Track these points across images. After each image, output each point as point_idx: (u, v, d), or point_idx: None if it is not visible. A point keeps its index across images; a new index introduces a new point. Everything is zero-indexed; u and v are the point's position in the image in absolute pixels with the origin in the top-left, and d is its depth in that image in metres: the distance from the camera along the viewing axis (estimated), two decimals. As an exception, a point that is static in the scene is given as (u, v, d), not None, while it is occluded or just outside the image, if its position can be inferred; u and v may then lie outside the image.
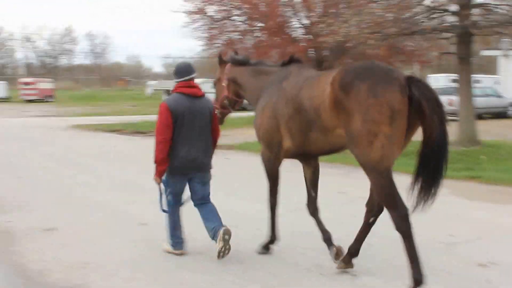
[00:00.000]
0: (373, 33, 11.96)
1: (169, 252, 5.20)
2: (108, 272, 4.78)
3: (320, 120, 4.22)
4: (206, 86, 37.37)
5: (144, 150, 13.85)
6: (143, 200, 7.44)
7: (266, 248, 5.16)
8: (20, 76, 64.76)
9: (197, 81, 5.29)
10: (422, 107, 3.76)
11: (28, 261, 5.10)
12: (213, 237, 4.90)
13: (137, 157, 12.61)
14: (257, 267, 4.79)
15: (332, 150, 4.51)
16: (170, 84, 47.38)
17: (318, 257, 4.97)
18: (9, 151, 14.10)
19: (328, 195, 6.69)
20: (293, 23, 29.75)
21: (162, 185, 5.08)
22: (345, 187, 8.44)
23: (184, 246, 5.20)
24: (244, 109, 38.15)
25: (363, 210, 4.52)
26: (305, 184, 5.04)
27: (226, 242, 4.80)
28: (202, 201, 5.15)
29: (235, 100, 5.58)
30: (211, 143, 5.23)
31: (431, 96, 3.80)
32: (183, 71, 5.11)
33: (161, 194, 5.11)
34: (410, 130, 3.91)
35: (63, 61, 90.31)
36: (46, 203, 7.59)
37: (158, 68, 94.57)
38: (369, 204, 4.41)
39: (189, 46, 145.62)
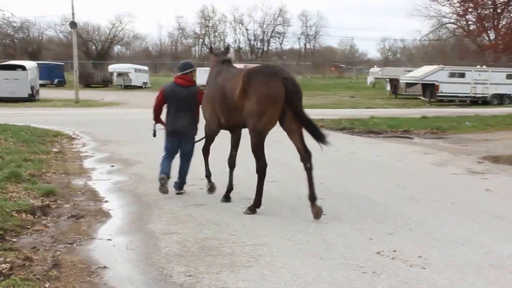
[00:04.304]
0: None
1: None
2: None
3: (235, 103, 6.75)
4: (441, 75, 33.57)
5: (391, 159, 11.97)
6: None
7: (209, 184, 7.90)
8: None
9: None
10: (288, 94, 6.46)
11: None
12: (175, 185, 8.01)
13: (388, 168, 10.55)
14: None
15: (245, 124, 6.81)
16: (395, 72, 44.47)
17: None
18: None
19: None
20: None
21: (157, 125, 8.07)
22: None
23: (166, 175, 7.73)
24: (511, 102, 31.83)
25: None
26: (230, 146, 7.66)
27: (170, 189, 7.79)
28: (185, 156, 7.93)
29: None
30: (196, 119, 7.90)
31: (294, 88, 6.51)
32: (183, 67, 7.87)
33: (154, 129, 8.05)
34: (284, 111, 6.56)
35: (273, 45, 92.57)
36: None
37: (372, 53, 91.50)
38: (301, 158, 6.71)
39: (413, 27, 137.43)
